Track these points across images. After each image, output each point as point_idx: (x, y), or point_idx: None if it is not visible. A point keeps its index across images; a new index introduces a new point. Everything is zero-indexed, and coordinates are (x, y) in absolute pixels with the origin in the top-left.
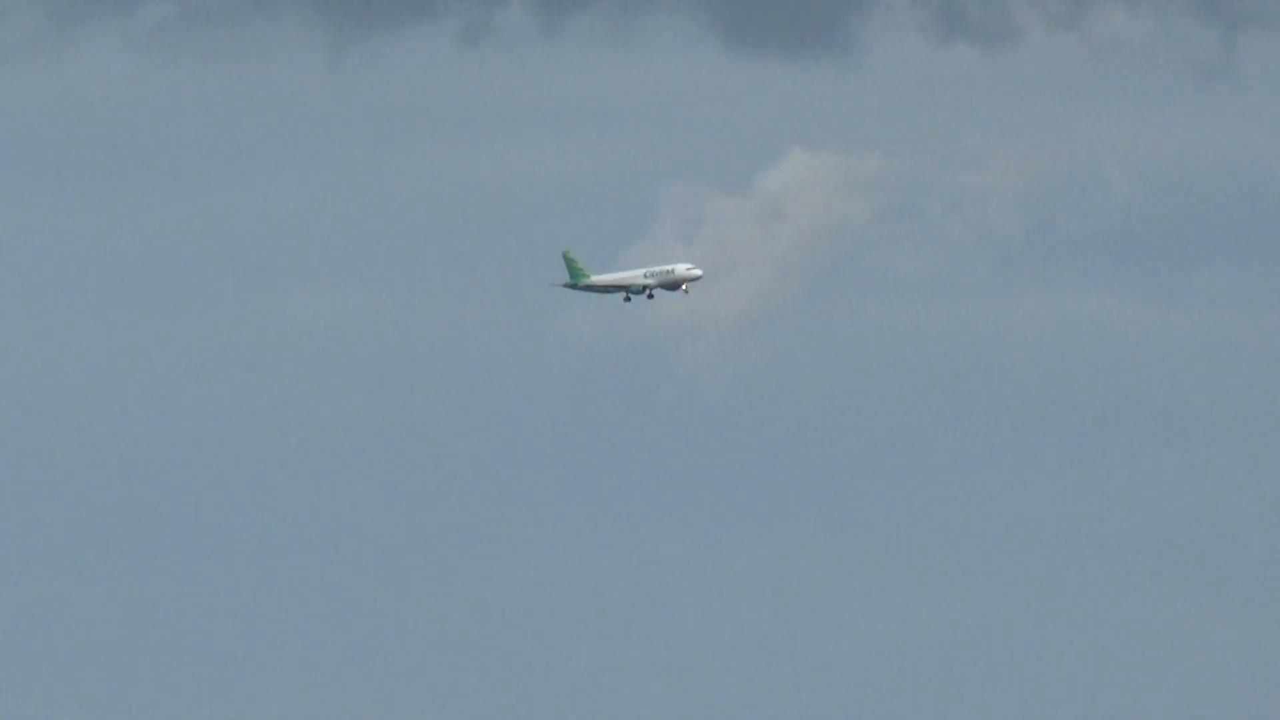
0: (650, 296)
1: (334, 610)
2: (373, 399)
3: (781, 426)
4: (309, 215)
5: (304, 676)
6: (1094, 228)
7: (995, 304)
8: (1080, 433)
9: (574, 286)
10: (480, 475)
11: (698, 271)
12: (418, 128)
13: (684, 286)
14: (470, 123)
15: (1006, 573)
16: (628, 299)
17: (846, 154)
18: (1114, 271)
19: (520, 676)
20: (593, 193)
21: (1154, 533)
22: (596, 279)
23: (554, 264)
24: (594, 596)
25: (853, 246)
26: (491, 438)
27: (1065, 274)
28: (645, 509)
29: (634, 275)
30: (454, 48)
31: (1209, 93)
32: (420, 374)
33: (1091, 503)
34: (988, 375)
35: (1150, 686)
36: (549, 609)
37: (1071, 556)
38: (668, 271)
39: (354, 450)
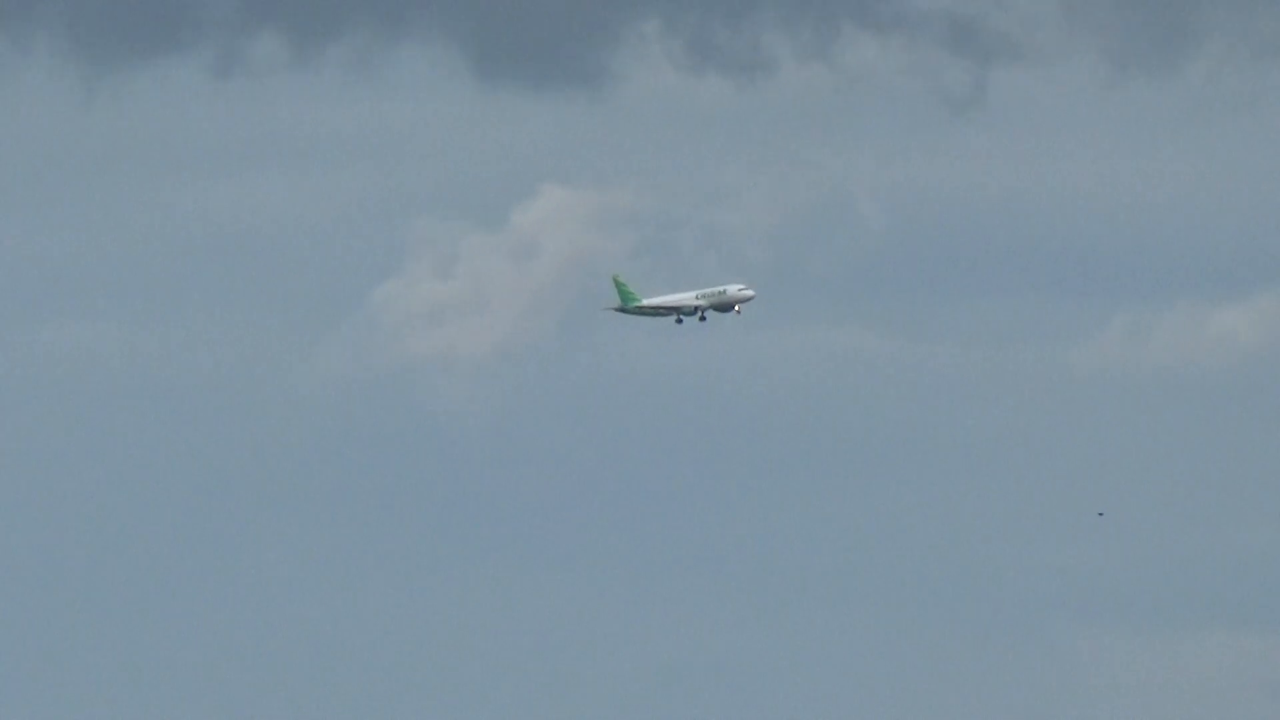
0: (703, 318)
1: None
2: (119, 432)
3: (534, 461)
4: (61, 249)
5: None
6: (847, 261)
7: (749, 337)
8: (831, 465)
9: (625, 310)
10: (233, 506)
11: (750, 292)
12: (169, 161)
13: (737, 307)
14: (221, 155)
15: (762, 603)
16: (679, 321)
17: (600, 189)
18: (867, 305)
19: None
20: (345, 228)
21: (903, 564)
22: (647, 302)
23: (309, 296)
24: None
25: (607, 282)
26: (233, 469)
27: (818, 307)
28: (391, 540)
29: (686, 297)
30: (206, 79)
31: (960, 125)
32: (169, 407)
33: (839, 535)
34: (741, 408)
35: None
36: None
37: (816, 586)
38: (720, 292)
39: (97, 483)
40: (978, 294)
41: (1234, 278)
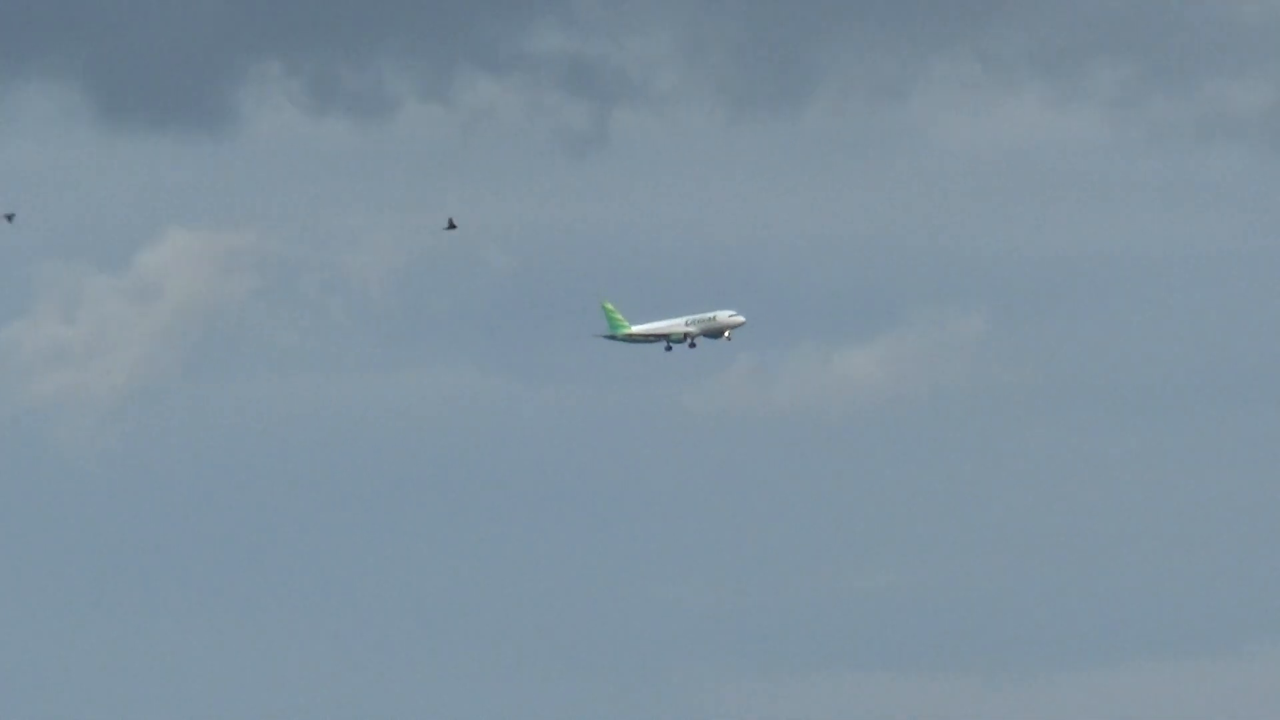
0: (692, 345)
1: None
2: None
3: (157, 501)
4: None
5: None
6: (469, 302)
7: (373, 380)
8: (446, 503)
9: (614, 337)
10: None
11: (740, 318)
12: None
13: (727, 333)
14: None
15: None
16: (669, 348)
17: (223, 231)
18: (488, 346)
19: None
20: None
21: (512, 605)
22: (637, 329)
23: None
24: None
25: (231, 323)
26: None
27: (441, 349)
28: (14, 580)
29: (675, 324)
30: None
31: (581, 165)
32: None
33: (451, 571)
34: (367, 450)
35: None
36: None
37: (424, 623)
38: (710, 319)
39: None
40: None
41: (856, 319)
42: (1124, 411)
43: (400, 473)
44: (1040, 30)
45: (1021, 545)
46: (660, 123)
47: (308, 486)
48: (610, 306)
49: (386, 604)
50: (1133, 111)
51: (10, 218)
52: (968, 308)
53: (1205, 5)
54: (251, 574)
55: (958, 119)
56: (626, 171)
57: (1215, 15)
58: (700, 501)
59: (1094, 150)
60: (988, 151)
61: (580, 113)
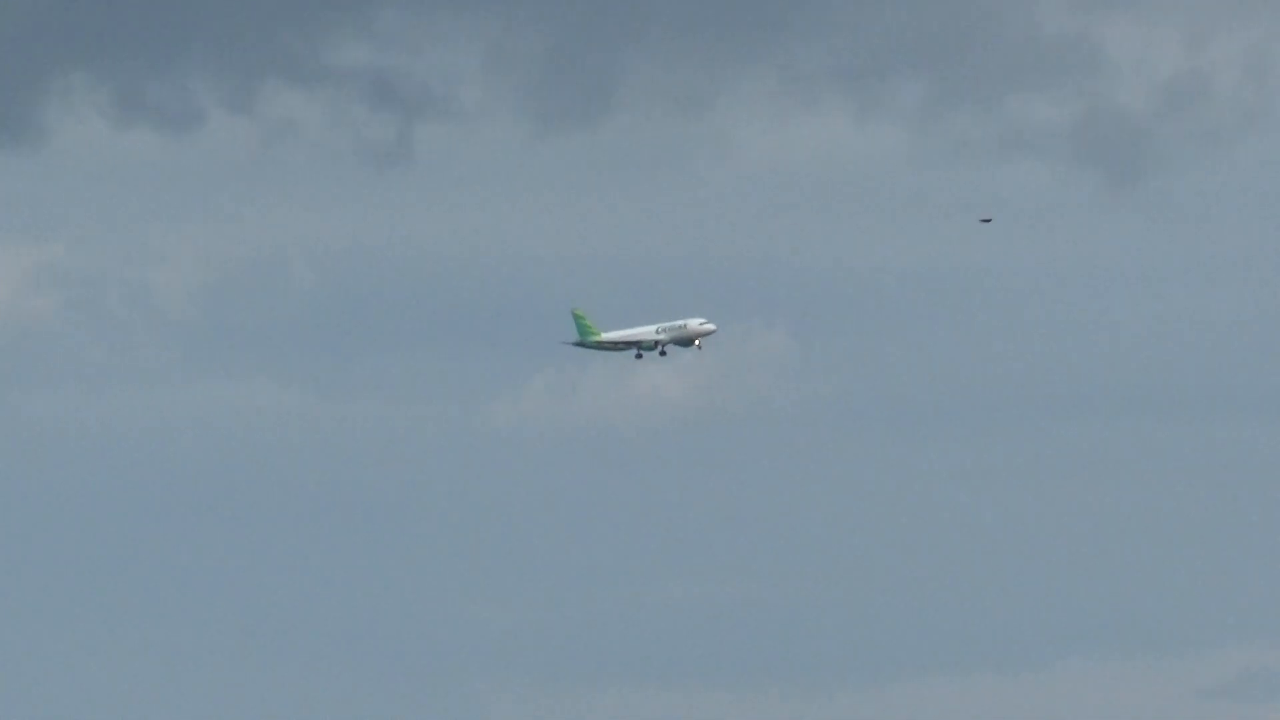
0: (663, 353)
1: None
2: None
3: None
4: None
5: None
6: (273, 317)
7: (176, 393)
8: (246, 517)
9: (583, 344)
10: None
11: (711, 326)
12: None
13: (697, 342)
14: None
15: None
16: (639, 356)
17: (28, 245)
18: (291, 362)
19: None
20: None
21: (313, 622)
22: (607, 336)
23: None
24: None
25: (37, 337)
26: None
27: (244, 363)
28: None
29: (646, 331)
30: None
31: (385, 180)
32: None
33: (252, 589)
34: (169, 463)
35: None
36: None
37: (225, 640)
38: (680, 327)
39: None
40: (402, 350)
41: None
42: (929, 425)
43: (200, 486)
44: (842, 44)
45: (823, 558)
46: (464, 136)
47: (110, 498)
48: (580, 313)
49: (182, 613)
50: (934, 126)
51: None
52: (770, 321)
53: (1006, 21)
54: (47, 584)
55: (760, 132)
56: (430, 185)
57: (1016, 31)
58: (499, 516)
59: (896, 164)
60: (790, 165)
61: (384, 126)
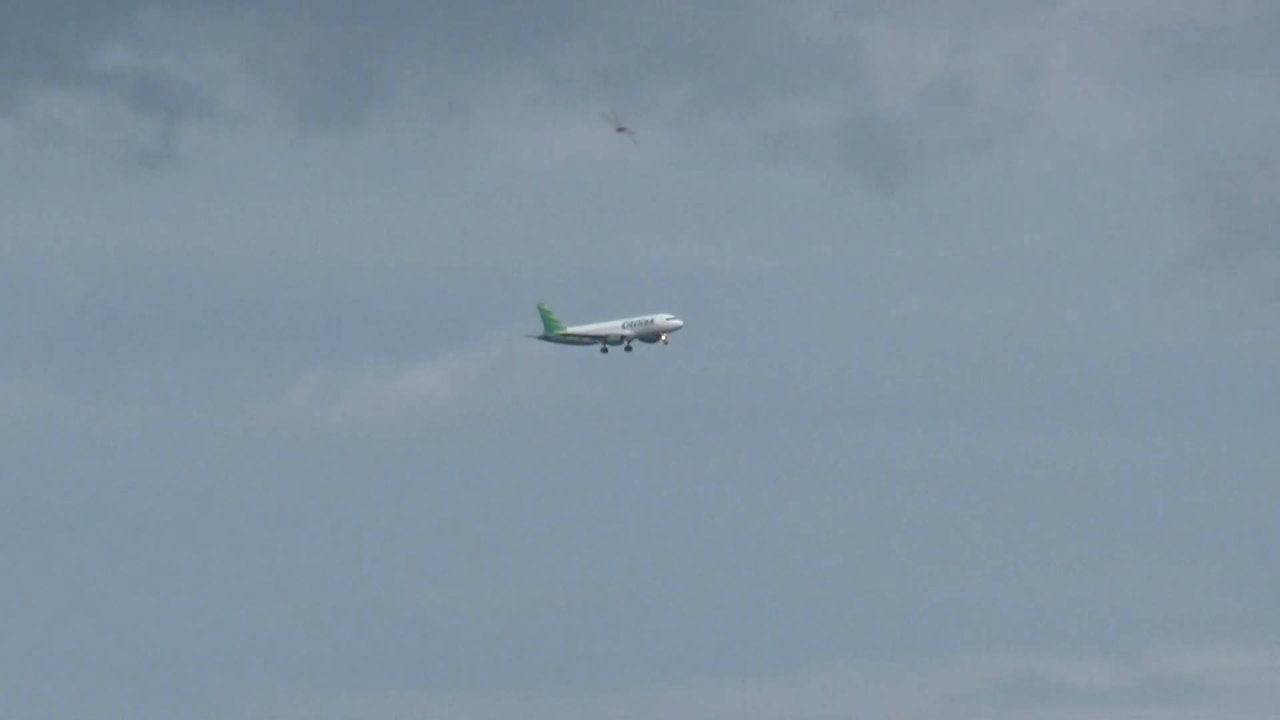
0: (628, 349)
1: None
2: None
3: None
4: None
5: None
6: (37, 319)
7: None
8: (10, 521)
9: (548, 338)
10: None
11: (678, 322)
12: None
13: (664, 337)
14: None
15: None
16: (604, 350)
17: None
18: (55, 364)
19: None
20: None
21: (71, 618)
22: (572, 330)
23: None
24: None
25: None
26: None
27: (12, 367)
28: None
29: (612, 326)
30: None
31: (150, 182)
32: None
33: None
34: None
35: None
36: None
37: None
38: (647, 322)
39: None
40: (165, 353)
41: (423, 336)
42: (687, 428)
43: None
44: (603, 48)
45: (579, 563)
46: (228, 139)
47: None
48: (546, 307)
49: None
50: (695, 130)
51: None
52: (533, 325)
53: (768, 25)
54: None
55: (520, 136)
56: (194, 188)
57: (778, 35)
58: (263, 518)
59: (656, 169)
60: (551, 169)
61: (148, 129)
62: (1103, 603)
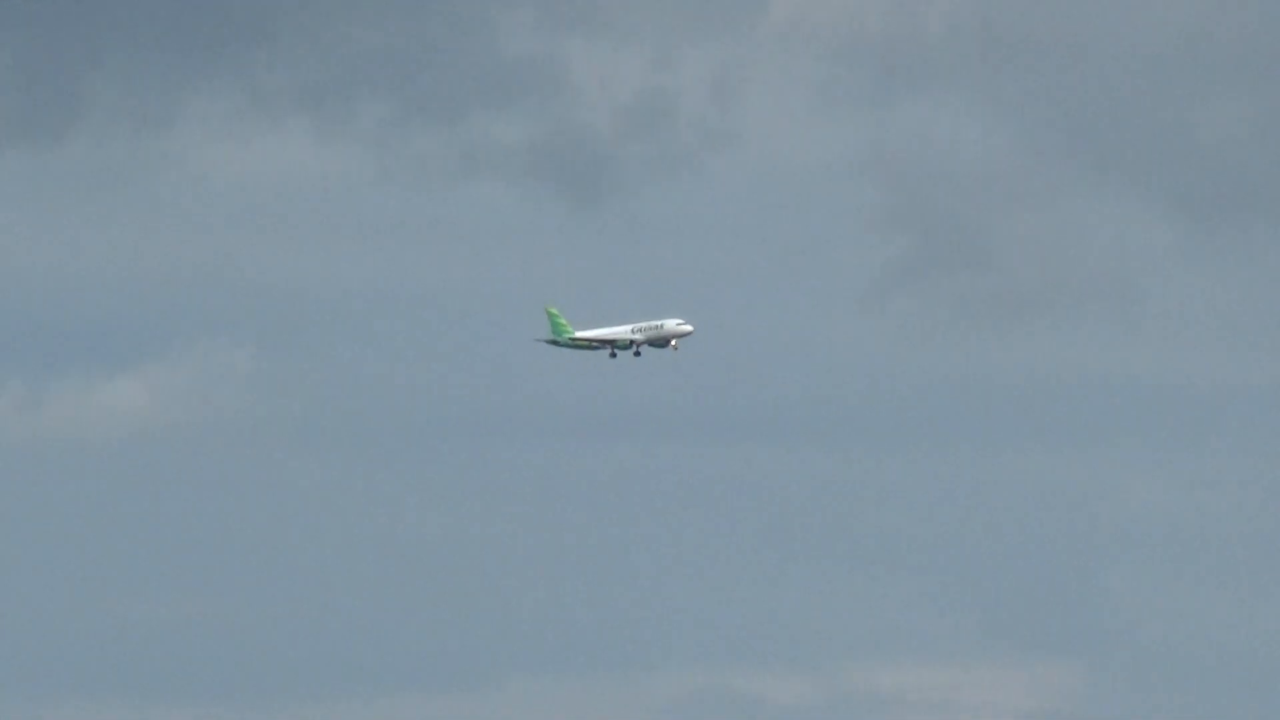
0: (638, 354)
1: None
2: None
3: None
4: None
5: None
6: None
7: None
8: None
9: (556, 343)
10: None
11: (688, 327)
12: None
13: (673, 343)
14: None
15: None
16: (613, 355)
17: None
18: None
19: None
20: None
21: None
22: (581, 334)
23: None
24: None
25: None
26: None
27: None
28: None
29: (621, 331)
30: None
31: None
32: None
33: None
34: None
35: None
36: None
37: None
38: (657, 327)
39: None
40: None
41: (122, 349)
42: (389, 442)
43: None
44: (305, 62)
45: (277, 574)
46: None
47: None
48: (554, 311)
49: None
50: (395, 145)
51: None
52: (236, 339)
53: (468, 40)
54: None
55: (222, 150)
56: None
57: (478, 50)
58: None
59: (357, 184)
60: (253, 183)
61: None
62: (800, 618)
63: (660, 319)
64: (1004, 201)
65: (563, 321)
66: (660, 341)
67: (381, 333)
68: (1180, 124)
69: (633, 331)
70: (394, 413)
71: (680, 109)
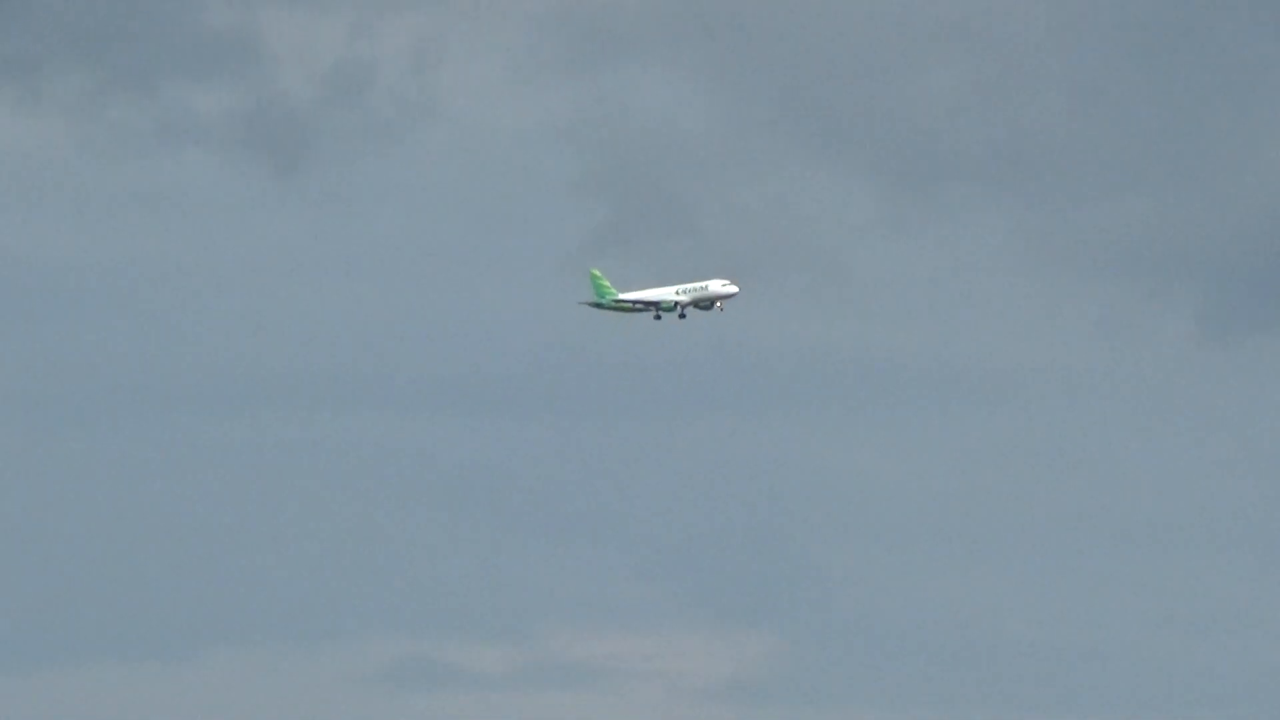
0: (682, 315)
1: None
2: None
3: None
4: None
5: None
6: None
7: None
8: None
9: (599, 305)
10: None
11: (734, 288)
12: None
13: (719, 304)
14: None
15: None
16: (658, 317)
17: None
18: None
19: None
20: None
21: None
22: (624, 296)
23: None
24: None
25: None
26: None
27: None
28: None
29: (665, 292)
30: None
31: None
32: None
33: None
34: None
35: None
36: None
37: None
38: (701, 288)
39: None
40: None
41: None
42: (95, 417)
43: None
44: (1, 33)
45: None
46: None
47: None
48: (597, 273)
49: None
50: (93, 116)
51: None
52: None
53: (167, 10)
54: None
55: None
56: None
57: (177, 20)
58: None
59: (56, 156)
60: None
61: None
62: (498, 587)
63: (705, 280)
64: (706, 170)
65: (605, 283)
66: (705, 303)
67: (83, 304)
68: (883, 95)
69: (677, 293)
70: (88, 384)
71: (380, 78)
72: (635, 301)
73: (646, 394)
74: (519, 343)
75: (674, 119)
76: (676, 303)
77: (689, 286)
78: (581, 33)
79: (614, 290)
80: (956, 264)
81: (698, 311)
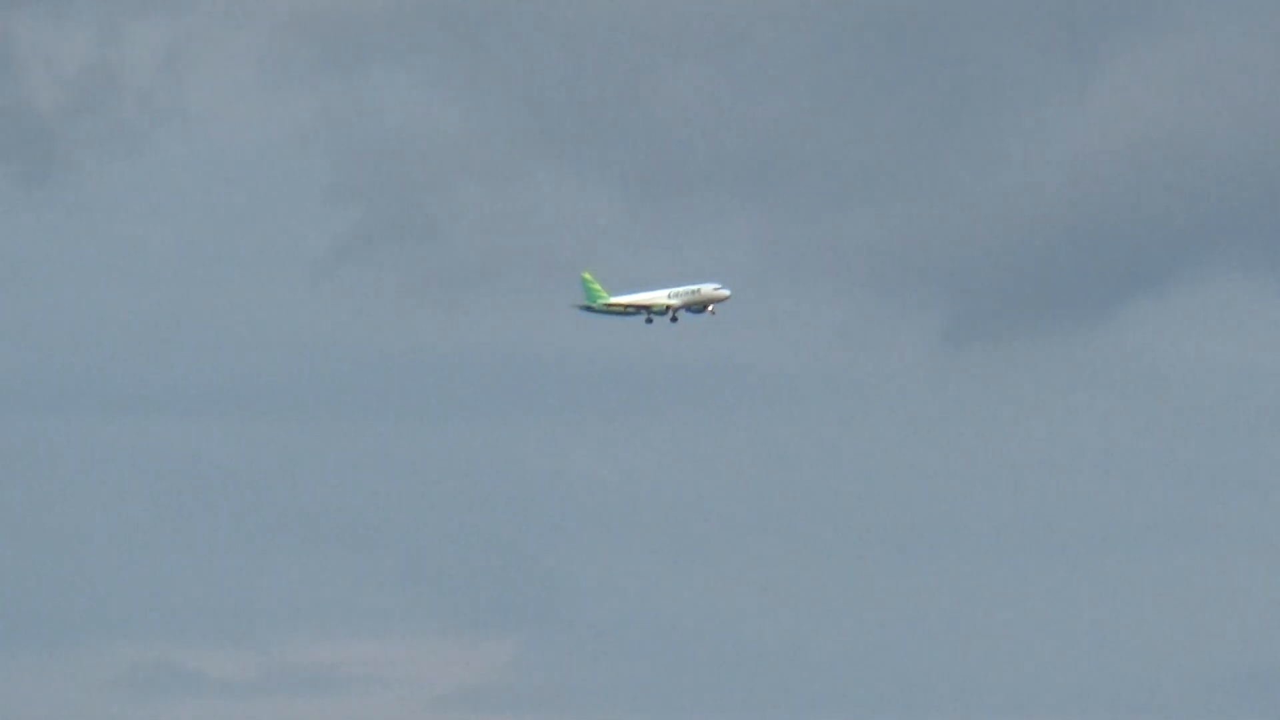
0: (674, 319)
1: None
2: None
3: None
4: None
5: None
6: None
7: None
8: None
9: (591, 308)
10: None
11: (725, 291)
12: None
13: (710, 307)
14: None
15: None
16: (649, 320)
17: None
18: None
19: None
20: None
21: None
22: (616, 300)
23: None
24: None
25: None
26: None
27: None
28: None
29: (657, 296)
30: None
31: None
32: None
33: None
34: None
35: None
36: None
37: None
38: (693, 291)
39: None
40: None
41: None
42: None
43: None
44: None
45: None
46: None
47: None
48: (589, 276)
49: None
50: None
51: None
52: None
53: None
54: None
55: None
56: None
57: None
58: None
59: None
60: None
61: None
62: (235, 592)
63: (697, 283)
64: (454, 175)
65: (597, 287)
66: (698, 306)
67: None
68: (632, 103)
69: (669, 296)
70: None
71: (127, 85)
72: (627, 305)
73: (396, 395)
74: (266, 347)
75: (422, 124)
76: (669, 306)
77: (681, 290)
78: (330, 38)
79: (605, 293)
80: (701, 271)
81: (689, 315)
